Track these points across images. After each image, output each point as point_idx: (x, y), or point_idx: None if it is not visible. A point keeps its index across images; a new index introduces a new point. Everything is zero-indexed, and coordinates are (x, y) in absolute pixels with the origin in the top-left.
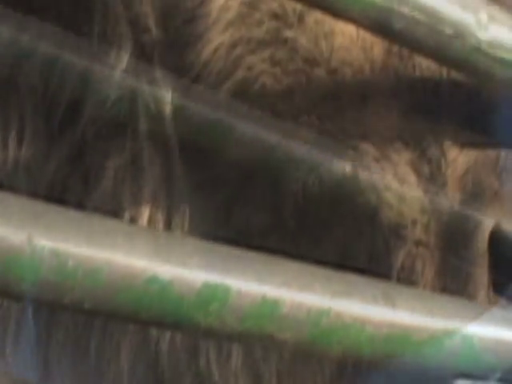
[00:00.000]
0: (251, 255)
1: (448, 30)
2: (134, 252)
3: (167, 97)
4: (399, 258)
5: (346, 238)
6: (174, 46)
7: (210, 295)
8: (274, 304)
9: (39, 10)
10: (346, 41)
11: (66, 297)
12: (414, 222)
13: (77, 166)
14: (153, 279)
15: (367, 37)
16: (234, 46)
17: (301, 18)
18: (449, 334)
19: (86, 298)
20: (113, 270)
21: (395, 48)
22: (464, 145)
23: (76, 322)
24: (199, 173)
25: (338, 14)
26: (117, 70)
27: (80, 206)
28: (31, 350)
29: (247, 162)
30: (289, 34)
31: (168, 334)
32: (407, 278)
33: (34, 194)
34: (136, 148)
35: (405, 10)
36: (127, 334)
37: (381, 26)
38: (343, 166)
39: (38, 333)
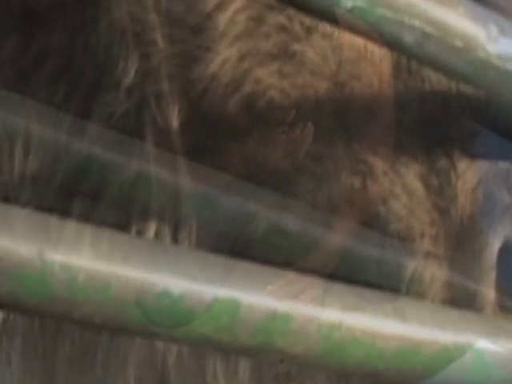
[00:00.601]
0: (261, 269)
1: (458, 43)
2: (145, 266)
3: (174, 110)
4: (408, 270)
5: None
6: (180, 59)
7: (221, 310)
8: (285, 318)
9: (46, 21)
10: (354, 54)
11: (76, 311)
12: (423, 235)
13: (84, 179)
14: (163, 293)
15: (376, 50)
16: (241, 59)
17: (309, 32)
18: (459, 347)
19: (96, 313)
20: (123, 284)
21: (404, 61)
22: (474, 157)
23: (82, 334)
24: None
25: (346, 27)
26: (123, 83)
27: (87, 219)
28: (37, 363)
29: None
30: (297, 47)
31: (175, 348)
32: (416, 291)
33: (40, 207)
34: (142, 161)
35: (415, 23)
36: (134, 348)
37: (390, 39)
38: (352, 179)
39: (44, 345)
